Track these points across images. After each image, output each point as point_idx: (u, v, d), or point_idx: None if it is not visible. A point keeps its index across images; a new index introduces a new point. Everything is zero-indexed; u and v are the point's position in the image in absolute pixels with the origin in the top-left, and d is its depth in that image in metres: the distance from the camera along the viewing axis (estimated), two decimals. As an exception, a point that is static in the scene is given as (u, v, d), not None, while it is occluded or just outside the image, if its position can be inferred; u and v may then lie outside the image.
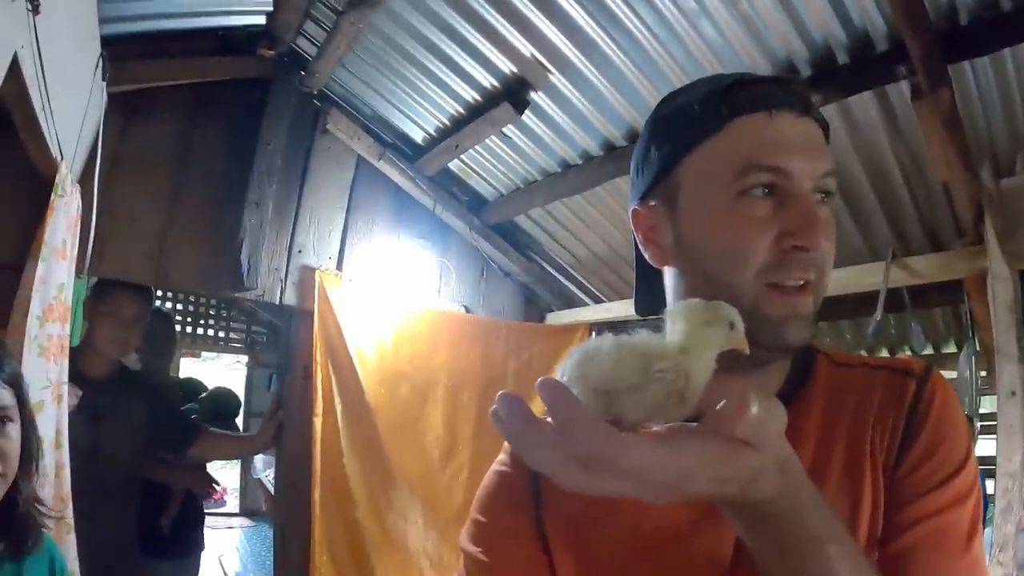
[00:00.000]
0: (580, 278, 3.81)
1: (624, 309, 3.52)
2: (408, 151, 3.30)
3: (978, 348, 2.85)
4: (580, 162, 3.02)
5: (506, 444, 0.85)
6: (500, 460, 0.86)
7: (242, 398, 5.00)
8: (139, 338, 2.63)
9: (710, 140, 0.73)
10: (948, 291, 2.78)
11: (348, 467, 2.80)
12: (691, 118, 0.74)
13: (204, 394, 3.97)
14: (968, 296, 2.70)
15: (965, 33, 2.14)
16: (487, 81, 2.73)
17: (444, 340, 3.23)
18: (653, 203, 0.79)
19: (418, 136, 3.23)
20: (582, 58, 2.45)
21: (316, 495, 2.71)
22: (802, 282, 0.70)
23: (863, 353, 3.83)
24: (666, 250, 0.78)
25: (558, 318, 3.82)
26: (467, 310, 3.55)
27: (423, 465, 3.04)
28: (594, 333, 3.68)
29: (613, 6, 2.22)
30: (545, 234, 3.58)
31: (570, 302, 3.87)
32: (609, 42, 2.35)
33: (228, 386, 3.46)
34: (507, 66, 2.61)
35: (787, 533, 0.55)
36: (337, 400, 2.81)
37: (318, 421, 2.75)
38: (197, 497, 3.10)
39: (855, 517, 0.71)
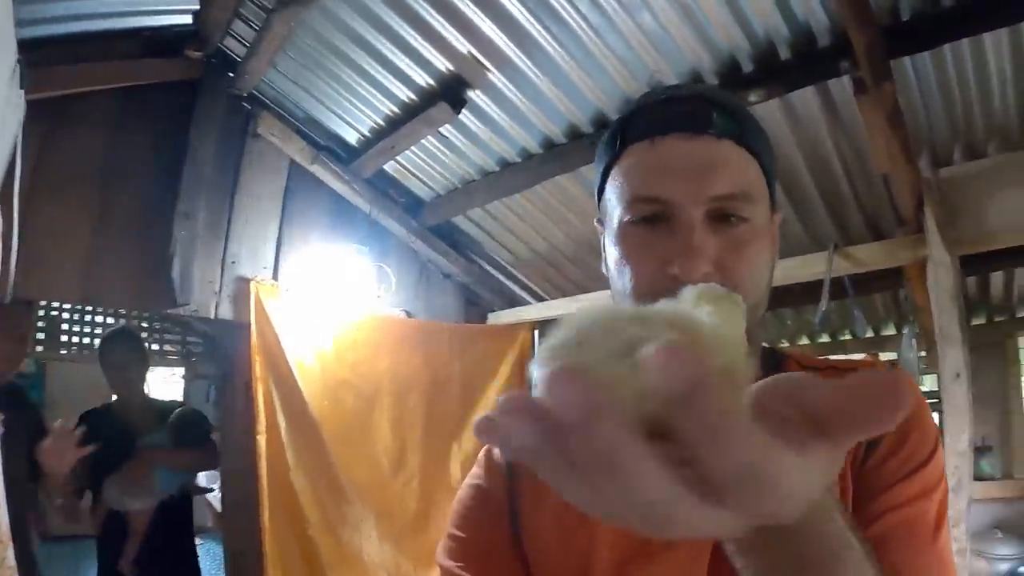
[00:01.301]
0: (521, 277, 3.82)
1: (567, 307, 3.52)
2: (342, 154, 3.25)
3: (917, 331, 2.96)
4: (520, 160, 3.02)
5: (481, 456, 0.87)
6: (474, 474, 0.86)
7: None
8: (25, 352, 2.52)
9: (614, 167, 0.76)
10: (888, 277, 2.90)
11: (296, 483, 2.75)
12: (604, 145, 0.78)
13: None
14: (908, 282, 2.79)
15: (907, 29, 2.21)
16: (423, 80, 2.70)
17: (386, 346, 3.19)
18: (600, 218, 0.81)
19: (353, 138, 3.18)
20: (520, 54, 2.44)
21: (265, 515, 2.64)
22: None
23: (806, 341, 3.96)
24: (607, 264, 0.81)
25: (500, 318, 3.83)
26: (408, 314, 3.52)
27: (373, 475, 3.01)
28: (537, 332, 3.70)
29: (553, 0, 2.21)
30: (485, 234, 3.58)
31: (512, 301, 3.89)
32: (548, 37, 2.34)
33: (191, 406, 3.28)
34: (444, 64, 2.59)
35: (813, 542, 0.50)
36: (280, 415, 2.75)
37: (262, 439, 2.68)
38: (178, 528, 2.93)
39: None
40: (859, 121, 2.45)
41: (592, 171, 2.67)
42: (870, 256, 2.73)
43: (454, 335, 3.49)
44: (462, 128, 2.89)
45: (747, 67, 2.43)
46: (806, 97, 2.48)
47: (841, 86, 2.43)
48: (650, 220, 0.71)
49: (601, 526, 0.75)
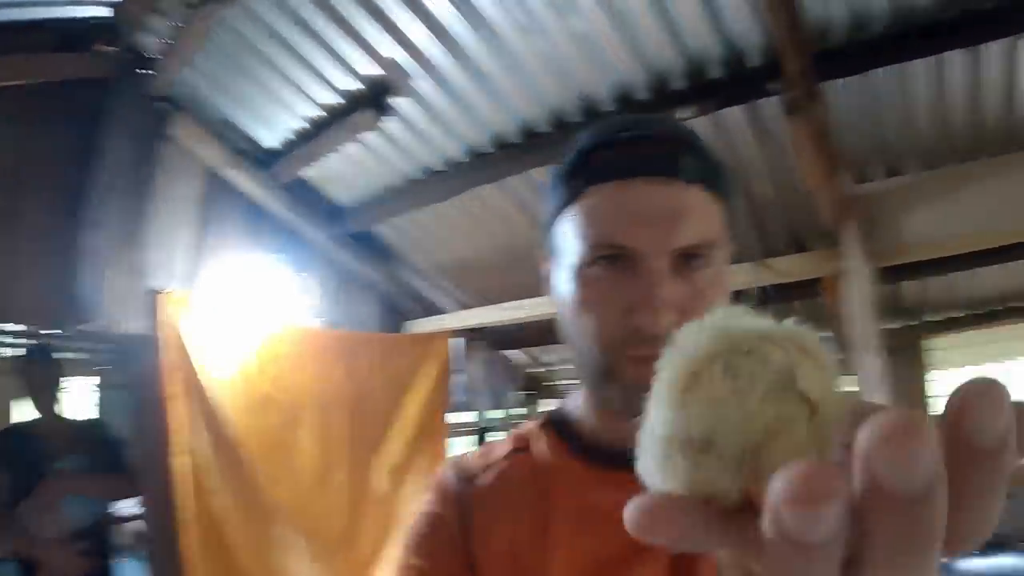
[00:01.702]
0: (442, 285, 3.78)
1: (488, 315, 3.52)
2: (261, 158, 3.12)
3: (835, 337, 3.13)
4: (444, 168, 2.99)
5: (431, 482, 0.85)
6: (426, 500, 0.84)
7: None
8: None
9: (572, 206, 0.73)
10: (807, 286, 3.02)
11: (221, 507, 2.62)
12: (559, 181, 0.75)
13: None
14: (826, 291, 2.91)
15: (838, 53, 2.29)
16: (348, 84, 2.64)
17: (308, 358, 3.10)
18: (546, 251, 0.80)
19: (272, 142, 3.06)
20: (448, 60, 2.41)
21: (190, 540, 2.51)
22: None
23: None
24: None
25: (419, 326, 3.79)
26: (329, 325, 3.43)
27: (300, 494, 2.92)
28: (457, 340, 3.69)
29: (482, 5, 2.19)
30: (406, 241, 3.53)
31: (431, 310, 3.85)
32: (477, 44, 2.32)
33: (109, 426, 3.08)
34: (369, 68, 2.53)
35: None
36: (200, 434, 2.62)
37: (180, 460, 2.54)
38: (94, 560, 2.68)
39: None
40: (786, 139, 2.53)
41: (518, 182, 2.64)
42: (792, 267, 2.85)
43: (376, 345, 3.42)
44: (386, 134, 2.83)
45: (678, 83, 2.48)
46: (735, 115, 2.54)
47: (770, 106, 2.50)
48: (611, 264, 0.70)
49: (555, 552, 0.75)
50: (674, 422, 0.28)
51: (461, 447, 4.11)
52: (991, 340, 3.97)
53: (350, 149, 2.95)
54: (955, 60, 2.35)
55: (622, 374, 0.70)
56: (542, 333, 3.92)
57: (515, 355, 4.59)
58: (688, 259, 0.69)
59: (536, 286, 2.95)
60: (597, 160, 0.72)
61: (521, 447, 0.86)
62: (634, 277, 0.68)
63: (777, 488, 0.22)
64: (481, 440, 4.01)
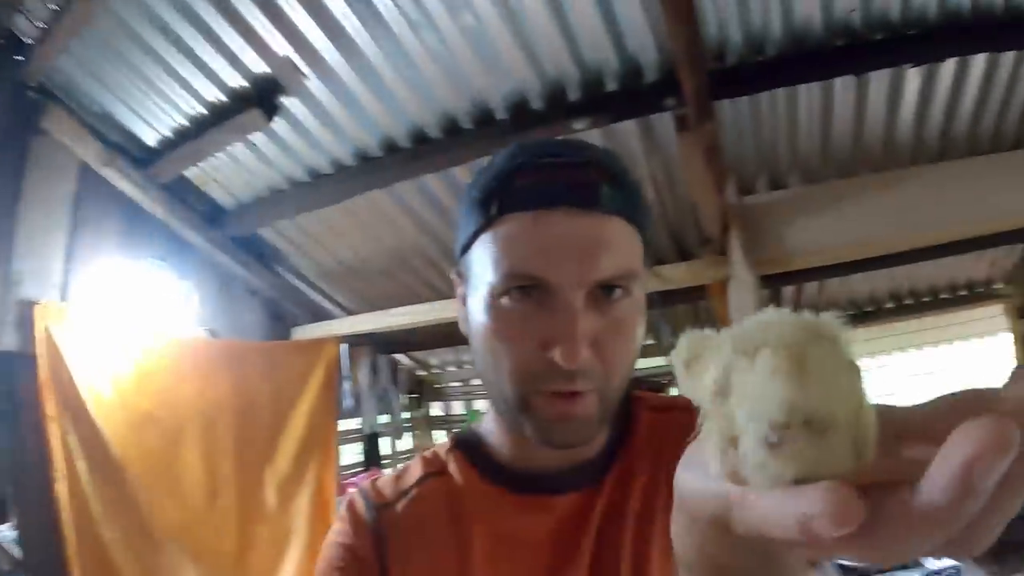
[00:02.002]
0: (329, 290, 3.72)
1: (377, 320, 3.49)
2: (141, 157, 2.90)
3: None
4: (331, 171, 2.92)
5: (343, 512, 0.83)
6: (339, 531, 0.82)
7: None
8: None
9: (486, 232, 0.71)
10: (691, 292, 3.16)
11: (105, 534, 2.43)
12: (473, 205, 0.73)
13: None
14: (711, 297, 3.07)
15: (731, 73, 2.40)
16: (235, 81, 2.52)
17: (191, 371, 2.93)
18: (461, 272, 0.79)
19: (152, 139, 2.86)
20: (340, 60, 2.35)
21: (76, 570, 2.32)
22: (573, 389, 0.69)
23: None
24: (466, 321, 0.79)
25: (306, 332, 3.69)
26: (212, 334, 3.27)
27: (188, 515, 2.76)
28: (344, 345, 3.64)
29: (377, 1, 2.15)
30: (290, 245, 3.44)
31: (318, 315, 3.76)
32: (371, 44, 2.28)
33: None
34: (259, 66, 2.42)
35: None
36: (80, 457, 2.42)
37: (61, 486, 2.35)
38: None
39: None
40: (676, 153, 2.64)
41: (407, 187, 2.62)
42: (677, 275, 2.98)
43: (261, 354, 3.29)
44: (272, 135, 2.73)
45: (574, 94, 2.52)
46: (628, 128, 2.62)
47: (663, 121, 2.60)
48: (526, 295, 0.69)
49: (485, 570, 0.76)
50: (794, 406, 0.28)
51: (350, 455, 4.06)
52: (862, 339, 4.35)
53: (235, 149, 2.83)
54: (842, 85, 2.54)
55: (537, 408, 0.69)
56: (428, 337, 3.92)
57: (402, 359, 4.57)
58: (606, 290, 0.69)
59: (423, 291, 2.97)
60: (516, 186, 0.70)
61: (433, 472, 0.85)
62: (550, 310, 0.67)
63: (970, 441, 0.24)
64: (370, 447, 3.97)
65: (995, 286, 4.12)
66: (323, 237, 3.33)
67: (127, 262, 2.90)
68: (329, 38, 2.27)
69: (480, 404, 4.93)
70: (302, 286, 3.64)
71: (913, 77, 2.54)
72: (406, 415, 4.40)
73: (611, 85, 2.48)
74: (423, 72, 2.38)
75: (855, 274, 3.72)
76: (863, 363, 0.30)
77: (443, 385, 4.96)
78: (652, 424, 0.86)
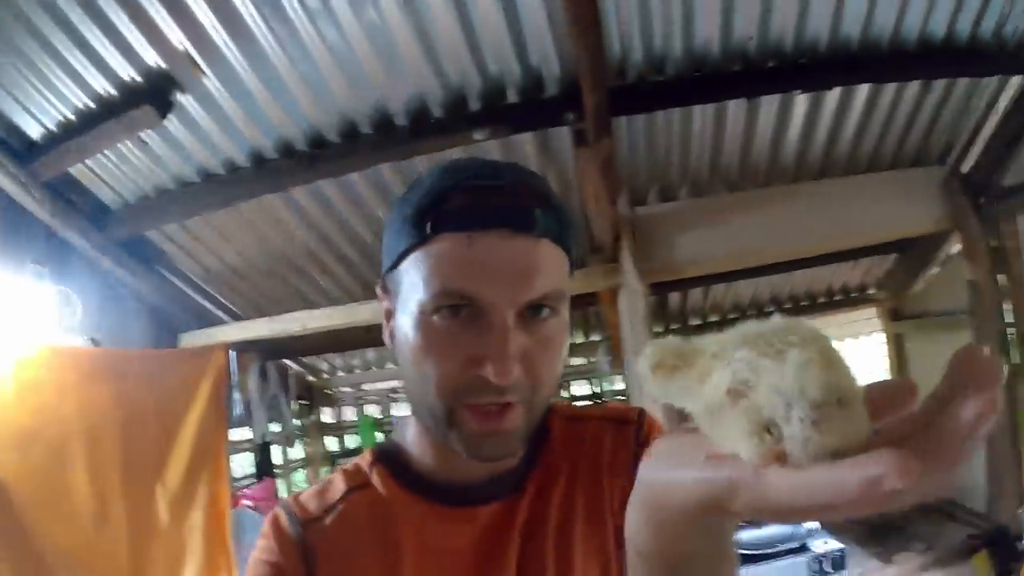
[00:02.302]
0: (217, 295, 3.60)
1: (267, 327, 3.41)
2: (21, 150, 2.67)
3: (609, 342, 3.45)
4: (223, 172, 2.82)
5: (267, 529, 0.82)
6: (266, 548, 0.81)
7: None
8: None
9: (418, 249, 0.71)
10: (582, 299, 3.29)
11: None
12: (405, 223, 0.73)
13: None
14: (602, 304, 3.18)
15: (631, 91, 2.49)
16: (128, 73, 2.35)
17: (73, 383, 2.74)
18: (388, 287, 0.79)
19: (36, 132, 2.63)
20: (239, 55, 2.26)
21: None
22: (503, 404, 0.72)
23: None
24: (393, 336, 0.79)
25: (194, 339, 3.55)
26: (95, 342, 3.08)
27: (77, 538, 2.59)
28: (233, 351, 3.53)
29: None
30: (178, 248, 3.30)
31: (206, 321, 3.62)
32: (272, 41, 2.21)
33: None
34: (154, 58, 2.27)
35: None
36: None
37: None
38: None
39: (606, 564, 0.82)
40: (571, 165, 2.72)
41: (302, 192, 2.55)
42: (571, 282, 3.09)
43: (147, 363, 3.14)
44: (164, 132, 2.59)
45: (475, 104, 2.55)
46: (526, 140, 2.67)
47: (560, 134, 2.66)
48: (455, 313, 0.70)
49: None
50: (829, 387, 0.34)
51: (242, 464, 3.93)
52: None
53: (124, 146, 2.67)
54: (735, 107, 2.69)
55: (464, 422, 0.71)
56: (319, 342, 3.86)
57: (291, 364, 4.47)
58: (535, 310, 0.71)
59: (315, 297, 2.93)
60: (450, 206, 0.71)
61: (356, 485, 0.86)
62: (481, 328, 0.69)
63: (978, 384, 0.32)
64: (263, 456, 3.85)
65: (869, 291, 4.47)
66: (212, 241, 3.22)
67: (2, 266, 2.70)
68: (229, 34, 2.18)
69: (371, 409, 4.88)
70: (189, 291, 3.50)
71: (801, 102, 2.73)
72: (297, 422, 4.30)
73: (512, 97, 2.53)
74: (324, 73, 2.33)
75: (739, 281, 3.93)
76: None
77: (334, 390, 4.87)
78: (566, 433, 0.91)
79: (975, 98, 3.02)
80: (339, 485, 0.86)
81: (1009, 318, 3.17)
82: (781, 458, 0.34)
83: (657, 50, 2.44)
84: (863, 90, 2.76)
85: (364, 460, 0.89)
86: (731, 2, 2.28)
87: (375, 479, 0.86)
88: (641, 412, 0.92)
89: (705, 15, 2.31)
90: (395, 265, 0.74)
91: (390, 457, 0.88)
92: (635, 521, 0.50)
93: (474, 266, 0.68)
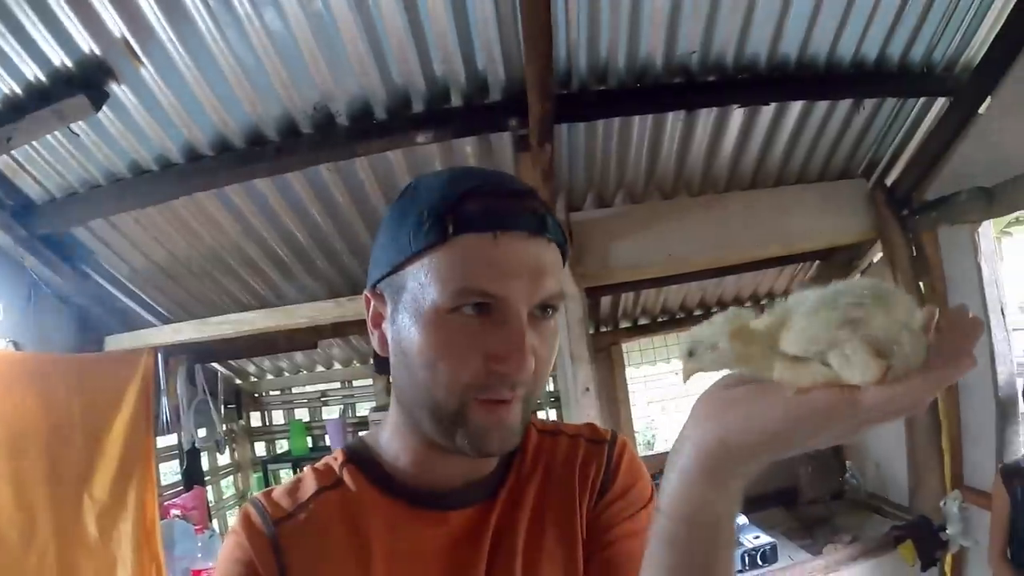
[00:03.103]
0: (145, 297, 3.50)
1: (196, 330, 3.34)
2: None
3: None
4: (156, 168, 2.73)
5: (238, 527, 0.83)
6: (238, 544, 0.82)
7: None
8: None
9: (434, 250, 0.74)
10: None
11: None
12: (419, 224, 0.76)
13: None
14: None
15: (574, 99, 2.53)
16: (60, 60, 2.20)
17: (-8, 390, 2.65)
18: (381, 292, 0.83)
19: None
20: (179, 44, 2.16)
21: None
22: (508, 398, 0.77)
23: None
24: (387, 341, 0.83)
25: (120, 342, 3.44)
26: (16, 346, 2.97)
27: (2, 556, 2.50)
28: (160, 354, 3.43)
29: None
30: (105, 246, 3.17)
31: (133, 324, 3.51)
32: (216, 34, 2.14)
33: None
34: (89, 45, 2.14)
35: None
36: None
37: None
38: None
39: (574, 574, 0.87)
40: (511, 170, 2.76)
41: (237, 191, 2.48)
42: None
43: (71, 368, 3.02)
44: (95, 124, 2.47)
45: (418, 106, 2.55)
46: (467, 143, 2.70)
47: (501, 139, 2.70)
48: (476, 311, 0.74)
49: None
50: (923, 318, 0.48)
51: (169, 472, 3.83)
52: (673, 343, 4.75)
53: (52, 138, 2.53)
54: (673, 118, 2.77)
55: (470, 418, 0.75)
56: (248, 345, 3.79)
57: (219, 368, 4.37)
58: (541, 308, 0.77)
59: (246, 299, 2.86)
60: (470, 208, 0.74)
61: (328, 485, 0.87)
62: (497, 325, 0.74)
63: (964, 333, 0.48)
64: (191, 463, 3.76)
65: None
66: (141, 239, 3.12)
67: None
68: (169, 21, 2.07)
69: (301, 413, 4.80)
70: (116, 292, 3.37)
71: (737, 116, 2.84)
72: (225, 428, 4.20)
73: (456, 100, 2.54)
74: (266, 67, 2.27)
75: (670, 285, 4.04)
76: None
77: (262, 394, 4.78)
78: (540, 445, 0.95)
79: (902, 116, 3.21)
80: (310, 484, 0.87)
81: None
82: (886, 373, 0.46)
83: (601, 61, 2.50)
84: (797, 106, 2.90)
85: (335, 460, 0.90)
86: (677, 18, 2.36)
87: (347, 478, 0.87)
88: (614, 433, 0.98)
89: (651, 28, 2.38)
90: (397, 269, 0.78)
91: (362, 457, 0.90)
92: (677, 486, 0.58)
93: (498, 265, 0.73)
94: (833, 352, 0.48)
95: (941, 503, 3.23)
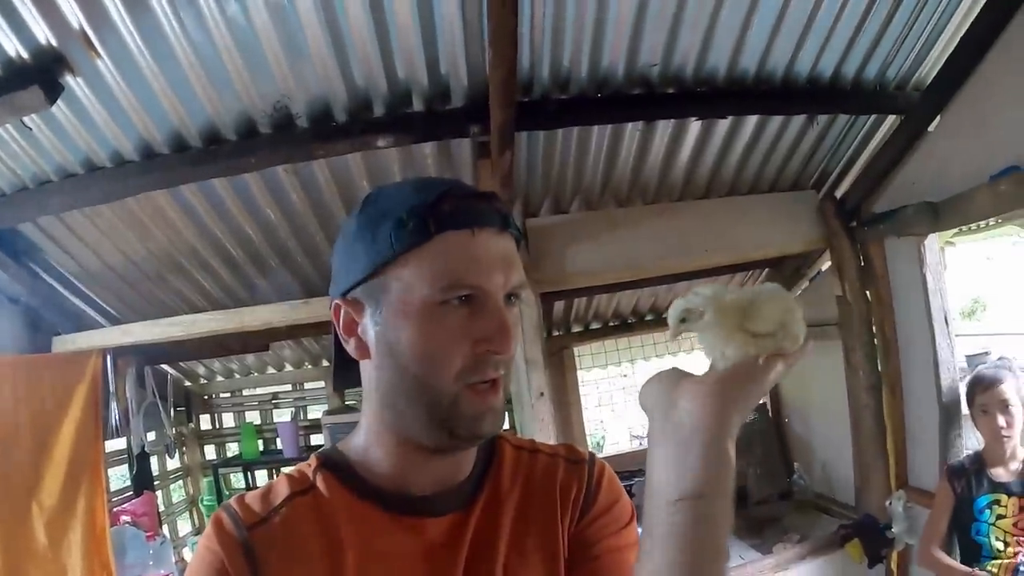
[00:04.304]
0: (93, 296, 3.43)
1: (149, 331, 3.30)
2: None
3: None
4: (110, 165, 2.66)
5: (211, 532, 0.83)
6: (210, 548, 0.83)
7: None
8: None
9: (417, 250, 0.80)
10: None
11: None
12: (400, 225, 0.81)
13: None
14: None
15: (535, 107, 2.56)
16: (14, 49, 2.11)
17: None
18: (356, 299, 0.86)
19: None
20: (136, 35, 2.08)
21: None
22: (493, 380, 0.83)
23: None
24: (366, 345, 0.86)
25: (69, 343, 3.38)
26: None
27: None
28: (109, 356, 3.38)
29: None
30: (54, 244, 3.11)
31: (83, 324, 3.45)
32: (174, 22, 2.06)
33: None
34: (45, 35, 2.06)
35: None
36: None
37: None
38: None
39: None
40: (471, 175, 2.78)
41: (192, 190, 2.42)
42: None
43: (18, 369, 2.98)
44: (49, 118, 2.39)
45: (379, 110, 2.54)
46: (427, 148, 2.70)
47: (461, 145, 2.71)
48: (462, 302, 0.80)
49: None
50: (766, 324, 0.69)
51: (119, 477, 3.75)
52: (623, 347, 4.84)
53: (3, 131, 2.46)
54: (632, 128, 2.82)
55: (464, 405, 0.81)
56: (199, 346, 3.74)
57: (169, 370, 4.30)
58: (508, 297, 0.85)
59: (197, 300, 2.80)
60: (447, 209, 0.81)
61: (300, 490, 0.88)
62: (479, 313, 0.81)
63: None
64: (141, 467, 3.69)
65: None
66: (92, 237, 3.06)
67: None
68: (128, 12, 2.00)
69: (251, 416, 4.74)
70: (65, 291, 3.31)
71: (694, 127, 2.91)
72: (175, 431, 4.13)
73: (417, 105, 2.54)
74: (226, 64, 2.23)
75: (623, 291, 4.11)
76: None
77: (212, 396, 4.70)
78: (517, 460, 0.99)
79: (853, 132, 3.33)
80: (282, 489, 0.89)
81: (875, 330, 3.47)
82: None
83: (564, 70, 2.53)
84: (752, 119, 2.98)
85: (309, 466, 0.92)
86: (639, 30, 2.41)
87: (320, 484, 0.88)
88: (592, 454, 1.03)
89: (614, 40, 2.42)
90: (376, 273, 0.82)
91: (336, 464, 0.91)
92: (681, 458, 0.66)
93: (477, 257, 0.81)
94: (780, 330, 0.69)
95: (887, 503, 3.36)
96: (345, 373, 0.95)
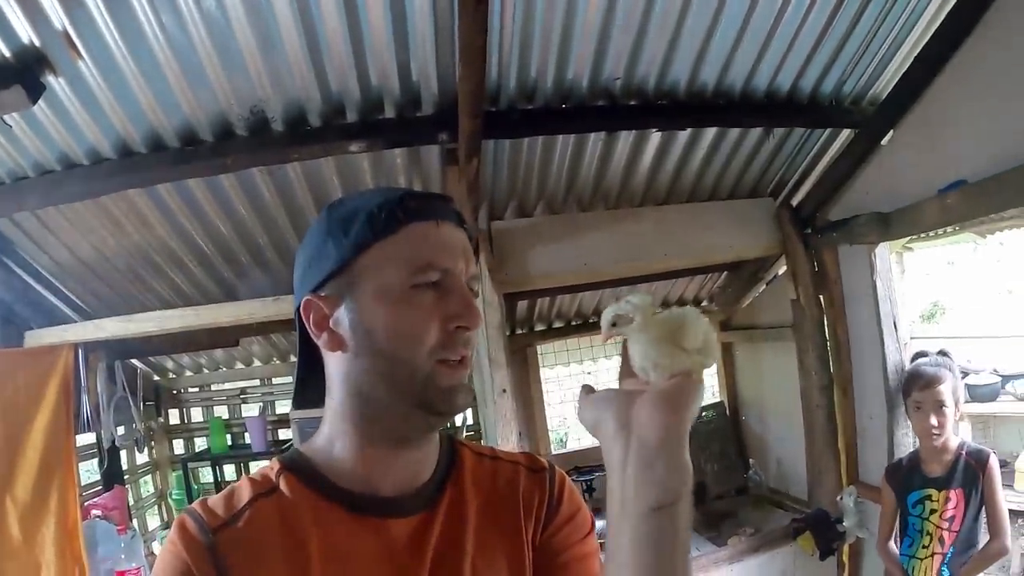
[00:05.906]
0: (66, 290, 3.46)
1: (121, 327, 3.33)
2: None
3: None
4: (87, 162, 2.69)
5: (174, 536, 0.85)
6: (175, 552, 0.84)
7: None
8: None
9: (388, 239, 0.89)
10: None
11: None
12: (371, 219, 0.89)
13: None
14: None
15: (502, 116, 2.66)
16: None
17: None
18: (327, 294, 0.92)
19: None
20: (117, 36, 2.12)
21: None
22: (462, 356, 0.91)
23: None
24: (340, 337, 0.91)
25: (40, 337, 3.37)
26: None
27: None
28: (80, 350, 3.41)
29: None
30: (28, 239, 3.13)
31: (55, 319, 3.46)
32: (154, 22, 2.10)
33: None
34: (28, 35, 2.09)
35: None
36: None
37: None
38: None
39: None
40: (438, 180, 2.88)
41: (168, 189, 2.47)
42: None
43: (-10, 364, 2.99)
44: (28, 115, 2.41)
45: (352, 115, 2.61)
46: (397, 154, 2.78)
47: (431, 152, 2.81)
48: (434, 284, 0.89)
49: None
50: (694, 340, 0.77)
51: (88, 472, 3.76)
52: (586, 345, 4.95)
53: None
54: (594, 138, 2.92)
55: (437, 380, 0.88)
56: (169, 341, 3.76)
57: (138, 365, 4.32)
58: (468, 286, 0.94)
59: (169, 296, 2.84)
60: (412, 204, 0.91)
61: (263, 492, 0.90)
62: (450, 293, 0.90)
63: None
64: (111, 462, 3.71)
65: (703, 304, 4.84)
66: (66, 233, 3.09)
67: None
68: (109, 12, 2.03)
69: (220, 411, 4.76)
70: (37, 286, 3.33)
71: (655, 138, 3.03)
72: (144, 425, 4.15)
73: (389, 112, 2.61)
74: (204, 65, 2.27)
75: (585, 292, 4.21)
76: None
77: (181, 391, 4.71)
78: (477, 466, 1.05)
79: (809, 144, 3.48)
80: (245, 492, 0.90)
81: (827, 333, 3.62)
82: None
83: (530, 81, 2.63)
84: (711, 131, 3.11)
85: (271, 469, 0.95)
86: (604, 45, 2.51)
87: (283, 486, 0.91)
88: (550, 463, 1.10)
89: (579, 53, 2.52)
90: (346, 267, 0.90)
91: (299, 465, 0.94)
92: (650, 460, 0.71)
93: (443, 244, 0.91)
94: (705, 348, 0.78)
95: (838, 498, 3.51)
96: (307, 392, 1.01)
